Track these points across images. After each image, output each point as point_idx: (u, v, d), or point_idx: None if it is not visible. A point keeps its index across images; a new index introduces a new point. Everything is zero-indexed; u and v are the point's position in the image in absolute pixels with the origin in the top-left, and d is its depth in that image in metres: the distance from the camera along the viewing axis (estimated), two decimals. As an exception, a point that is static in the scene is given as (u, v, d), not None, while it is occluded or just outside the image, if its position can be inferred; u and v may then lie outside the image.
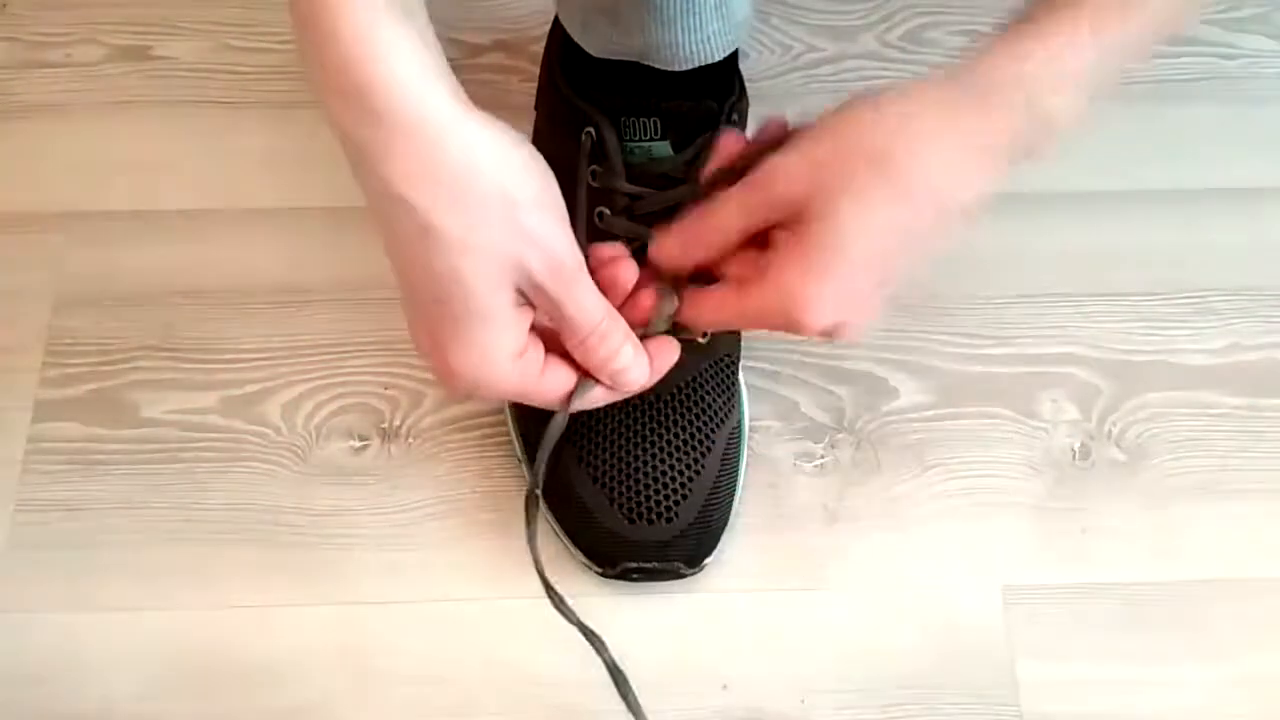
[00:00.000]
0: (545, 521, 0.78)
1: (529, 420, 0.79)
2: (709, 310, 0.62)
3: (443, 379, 0.59)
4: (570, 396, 0.62)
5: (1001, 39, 0.57)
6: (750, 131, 0.74)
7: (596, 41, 0.73)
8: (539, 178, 0.56)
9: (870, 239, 0.57)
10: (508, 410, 0.82)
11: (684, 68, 0.72)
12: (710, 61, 0.72)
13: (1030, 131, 0.57)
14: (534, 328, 0.60)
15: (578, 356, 0.61)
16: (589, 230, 0.78)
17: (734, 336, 0.81)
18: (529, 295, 0.57)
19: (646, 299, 0.63)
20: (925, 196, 0.57)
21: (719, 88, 0.77)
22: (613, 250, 0.62)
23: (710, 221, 0.61)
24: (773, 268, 0.58)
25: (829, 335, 0.60)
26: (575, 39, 0.75)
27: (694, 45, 0.70)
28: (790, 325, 0.59)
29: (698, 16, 0.69)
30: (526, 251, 0.55)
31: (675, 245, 0.62)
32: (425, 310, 0.57)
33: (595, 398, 0.63)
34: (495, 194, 0.54)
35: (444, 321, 0.57)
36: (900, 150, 0.56)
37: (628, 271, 0.62)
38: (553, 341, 0.61)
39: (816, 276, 0.57)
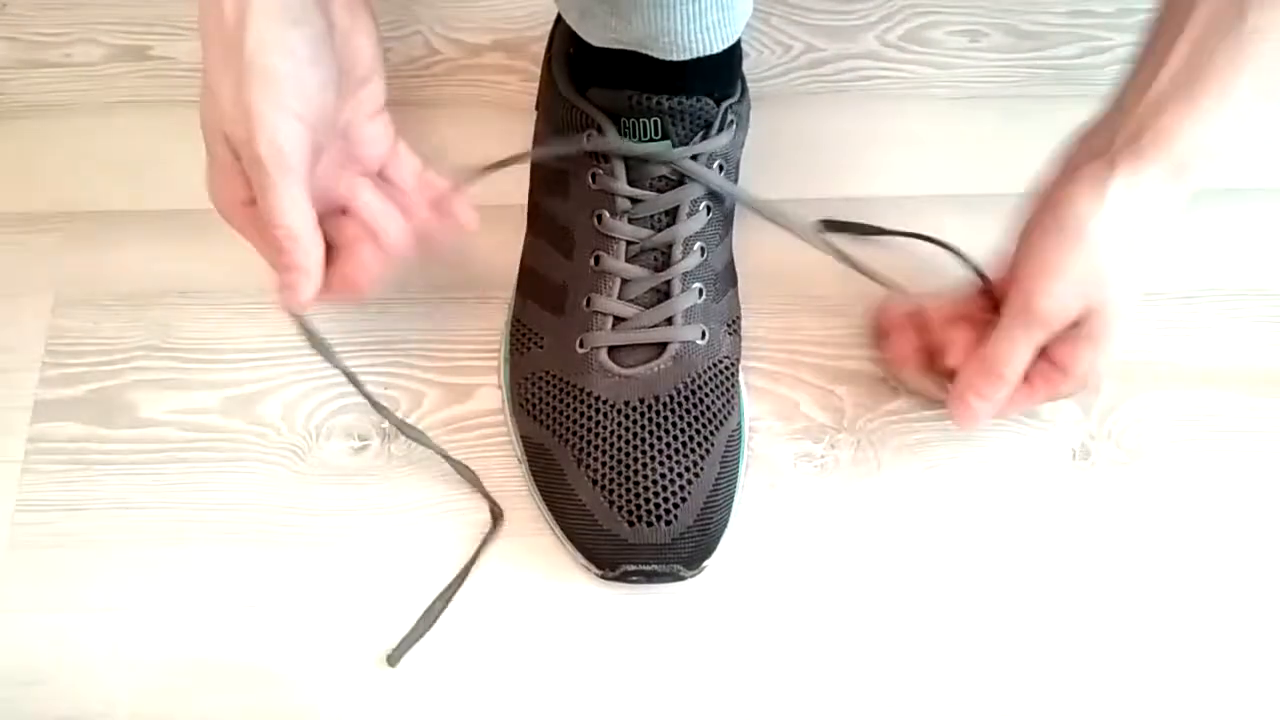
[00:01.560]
0: (545, 522, 0.79)
1: (528, 423, 0.79)
2: (1023, 401, 0.75)
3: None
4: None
5: (1175, 98, 0.65)
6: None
7: (595, 30, 0.73)
8: (295, 74, 0.65)
9: (1131, 306, 0.70)
10: (507, 412, 0.82)
11: (684, 57, 0.72)
12: (710, 52, 0.72)
13: (1191, 178, 0.67)
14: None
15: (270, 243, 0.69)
16: (590, 232, 0.78)
17: (735, 338, 0.82)
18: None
19: None
20: (1153, 255, 0.69)
21: (720, 87, 0.77)
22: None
23: (1009, 369, 0.72)
24: (1072, 363, 0.72)
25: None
26: (574, 28, 0.75)
27: (694, 34, 0.71)
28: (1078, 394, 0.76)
29: (697, 4, 0.70)
30: (237, 132, 0.65)
31: (978, 406, 0.73)
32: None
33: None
34: (247, 65, 0.63)
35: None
36: (1137, 234, 0.67)
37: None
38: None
39: (1109, 353, 0.72)
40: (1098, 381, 0.69)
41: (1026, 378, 0.73)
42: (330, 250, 0.70)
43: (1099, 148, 0.67)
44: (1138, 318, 0.69)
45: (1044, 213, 0.69)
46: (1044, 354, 0.72)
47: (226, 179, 0.68)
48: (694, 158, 0.77)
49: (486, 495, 0.79)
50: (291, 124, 0.65)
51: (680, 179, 0.77)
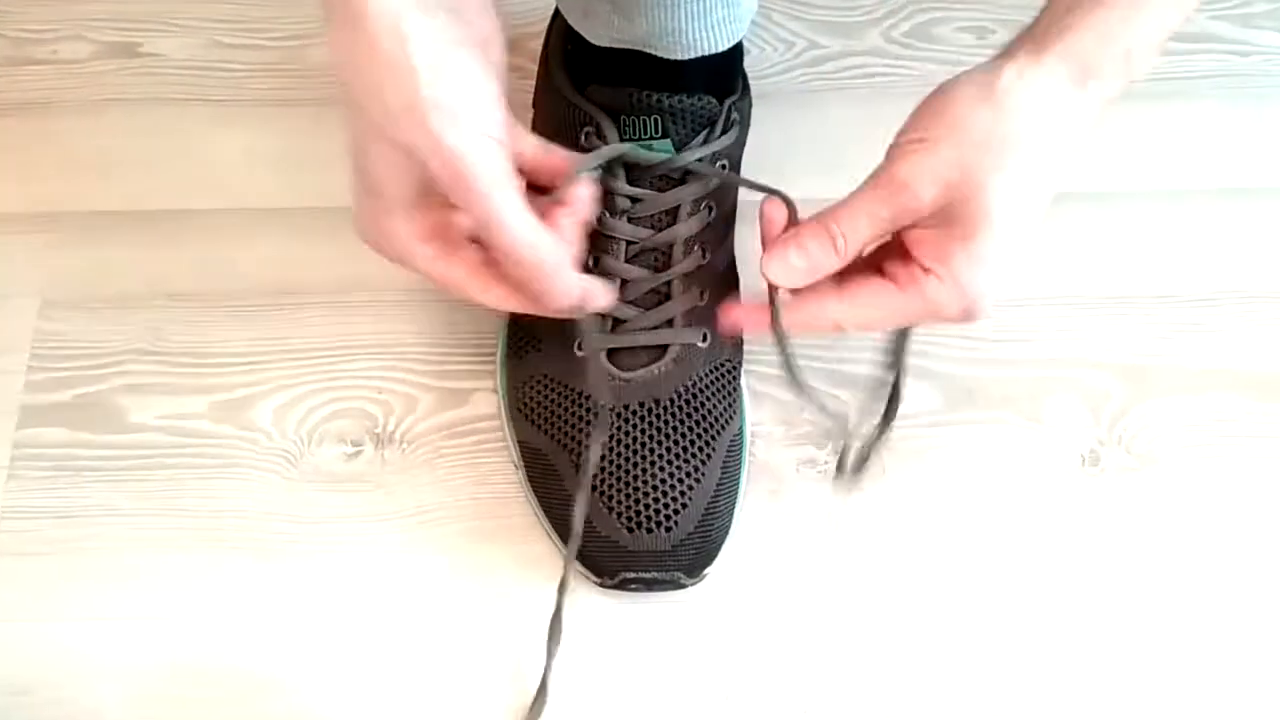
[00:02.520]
0: (543, 529, 0.79)
1: (526, 428, 0.79)
2: (868, 311, 0.66)
3: (358, 233, 0.67)
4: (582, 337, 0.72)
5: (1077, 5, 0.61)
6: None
7: (598, 29, 0.73)
8: (474, 90, 0.60)
9: (1017, 216, 0.63)
10: (504, 417, 0.82)
11: (687, 56, 0.72)
12: (715, 50, 0.72)
13: (1112, 75, 0.62)
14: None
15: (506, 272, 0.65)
16: (588, 234, 0.78)
17: (737, 341, 0.82)
18: (442, 198, 0.62)
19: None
20: (1050, 166, 0.62)
21: (721, 84, 0.77)
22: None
23: (850, 239, 0.65)
24: (943, 262, 0.63)
25: (965, 320, 0.66)
26: (576, 27, 0.75)
27: (698, 32, 0.71)
28: (962, 316, 0.65)
29: (702, 2, 0.70)
30: (428, 156, 0.60)
31: (798, 262, 0.65)
32: (354, 175, 0.64)
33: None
34: (412, 92, 0.58)
35: (361, 190, 0.64)
36: (1025, 131, 0.61)
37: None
38: None
39: (987, 263, 0.63)
40: (978, 306, 0.64)
41: (894, 278, 0.66)
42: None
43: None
44: (1031, 243, 0.64)
45: (933, 96, 0.65)
46: (913, 256, 0.66)
47: (394, 218, 0.64)
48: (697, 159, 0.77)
49: None
50: (494, 148, 0.61)
51: (682, 178, 0.77)
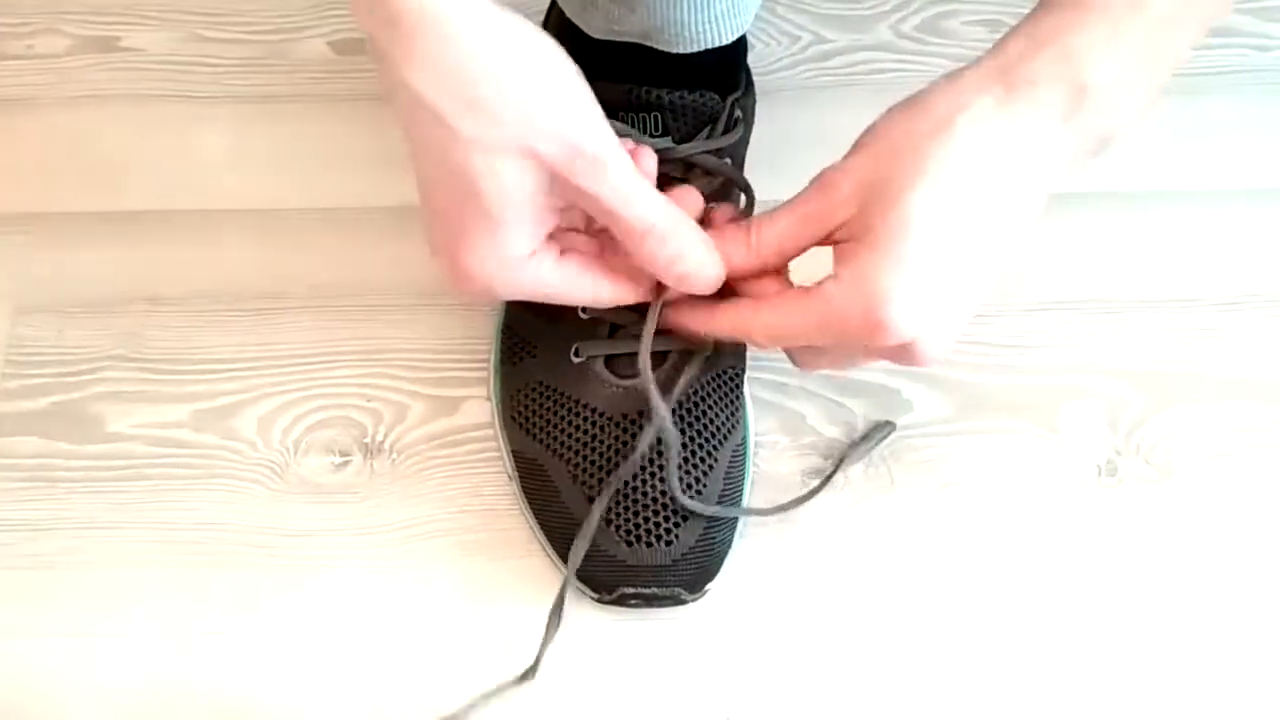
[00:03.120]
0: (538, 543, 0.79)
1: (520, 437, 0.80)
2: (771, 316, 0.66)
3: (455, 280, 0.64)
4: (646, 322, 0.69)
5: (1030, 20, 0.60)
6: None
7: (598, 22, 0.73)
8: (556, 70, 0.60)
9: (942, 227, 0.61)
10: (497, 425, 0.82)
11: (689, 49, 0.72)
12: (718, 44, 0.72)
13: (1081, 111, 0.60)
14: (585, 230, 0.68)
15: (641, 262, 0.65)
16: None
17: (739, 347, 0.82)
18: (564, 195, 0.61)
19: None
20: (987, 180, 0.61)
21: (724, 80, 0.77)
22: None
23: (764, 234, 0.66)
24: (848, 266, 0.62)
25: (906, 354, 0.63)
26: (573, 19, 0.75)
27: (700, 25, 0.71)
28: (868, 328, 0.62)
29: None
30: (540, 143, 0.58)
31: (715, 257, 0.66)
32: (440, 209, 0.62)
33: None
34: (507, 90, 0.57)
35: (459, 222, 0.61)
36: (956, 134, 0.60)
37: (690, 197, 0.70)
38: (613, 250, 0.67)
39: (895, 268, 0.61)
40: (881, 317, 0.61)
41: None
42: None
43: None
44: (979, 269, 0.62)
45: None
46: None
47: (510, 233, 0.62)
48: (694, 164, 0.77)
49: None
50: (600, 124, 0.61)
51: (683, 175, 0.77)
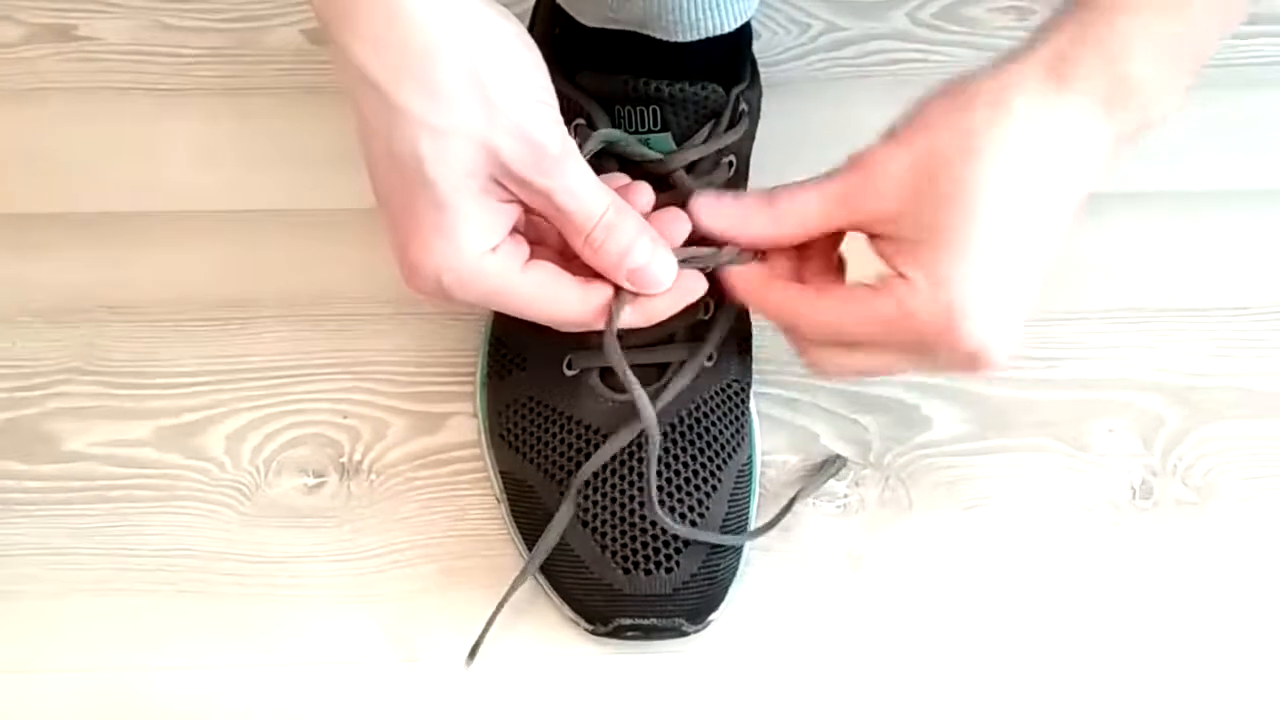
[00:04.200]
0: (528, 570, 0.78)
1: (509, 457, 0.80)
2: (831, 311, 0.68)
3: (406, 276, 0.64)
4: (609, 317, 0.67)
5: (1076, 11, 0.62)
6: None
7: (590, 7, 0.73)
8: (517, 56, 0.61)
9: (1009, 227, 0.63)
10: (484, 444, 0.82)
11: (689, 37, 0.72)
12: (720, 32, 0.72)
13: (1125, 104, 0.62)
14: (534, 237, 0.67)
15: (588, 259, 0.65)
16: None
17: (745, 359, 0.83)
18: (512, 189, 0.61)
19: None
20: (1044, 176, 0.63)
21: (727, 71, 0.78)
22: (621, 179, 0.69)
23: (786, 204, 0.68)
24: (920, 269, 0.64)
25: (973, 362, 0.66)
26: (565, 6, 0.74)
27: (701, 10, 0.70)
28: (946, 335, 0.65)
29: None
30: (497, 137, 0.59)
31: (730, 203, 0.69)
32: (390, 197, 0.62)
33: (626, 319, 0.68)
34: (463, 73, 0.58)
35: (407, 210, 0.62)
36: (1013, 130, 0.62)
37: (642, 196, 0.69)
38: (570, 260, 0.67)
39: (973, 273, 0.63)
40: (960, 327, 0.64)
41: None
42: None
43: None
44: (1038, 271, 0.65)
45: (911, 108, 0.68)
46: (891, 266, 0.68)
47: (464, 225, 0.62)
48: (699, 160, 0.77)
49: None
50: (552, 114, 0.62)
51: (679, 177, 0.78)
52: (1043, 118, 0.63)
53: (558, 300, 0.66)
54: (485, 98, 0.58)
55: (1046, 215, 0.64)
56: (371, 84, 0.58)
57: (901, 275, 0.65)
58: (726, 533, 0.77)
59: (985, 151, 0.63)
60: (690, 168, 0.76)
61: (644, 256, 0.66)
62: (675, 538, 0.75)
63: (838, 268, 0.72)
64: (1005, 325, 0.65)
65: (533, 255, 0.66)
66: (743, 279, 0.71)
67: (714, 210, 0.70)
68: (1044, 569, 0.81)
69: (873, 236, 0.67)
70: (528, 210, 0.64)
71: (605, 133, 0.74)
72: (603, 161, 0.75)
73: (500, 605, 0.76)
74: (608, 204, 0.64)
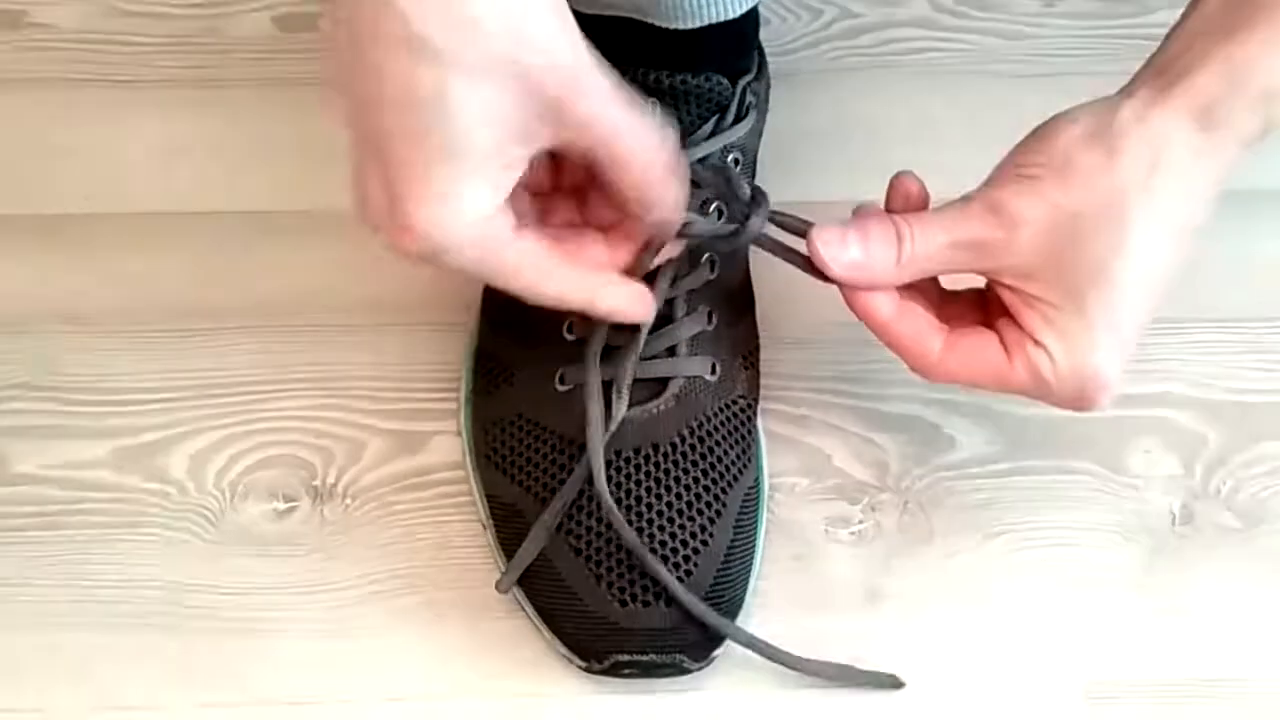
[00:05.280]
0: (517, 602, 0.79)
1: (496, 479, 0.80)
2: (962, 366, 0.72)
3: (391, 233, 0.61)
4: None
5: (1218, 49, 0.65)
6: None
7: (585, -8, 0.73)
8: None
9: (1150, 293, 0.68)
10: (469, 465, 0.83)
11: (691, 24, 0.72)
12: (723, 18, 0.72)
13: (1264, 135, 0.67)
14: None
15: (636, 195, 0.65)
16: None
17: (752, 372, 0.83)
18: (549, 126, 0.60)
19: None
20: (1185, 228, 0.68)
21: (733, 61, 0.78)
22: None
23: (916, 249, 0.70)
24: (1059, 340, 0.69)
25: (1080, 405, 0.71)
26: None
27: (703, -5, 0.72)
28: (1078, 405, 0.71)
29: None
30: (534, 62, 0.57)
31: (854, 246, 0.70)
32: (389, 146, 0.59)
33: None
34: (496, 5, 0.56)
35: (411, 161, 0.59)
36: (1160, 190, 0.66)
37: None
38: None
39: (1113, 349, 0.69)
40: (1094, 396, 0.69)
41: (1003, 339, 0.71)
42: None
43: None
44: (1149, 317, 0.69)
45: (1042, 126, 0.70)
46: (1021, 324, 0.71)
47: (475, 179, 0.61)
48: (703, 158, 0.77)
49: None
50: (588, 52, 0.61)
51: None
52: (1192, 173, 0.66)
53: (552, 274, 0.66)
54: (513, 23, 0.57)
55: (1167, 264, 0.68)
56: (392, 12, 0.55)
57: (1037, 342, 0.69)
58: (731, 562, 0.77)
59: (1137, 221, 0.66)
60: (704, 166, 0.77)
61: (672, 202, 0.67)
62: (676, 566, 0.75)
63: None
64: (1118, 375, 0.69)
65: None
66: (872, 306, 0.72)
67: (838, 249, 0.71)
68: (1076, 601, 0.81)
69: (998, 282, 0.71)
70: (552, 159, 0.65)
71: None
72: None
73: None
74: (657, 138, 0.64)
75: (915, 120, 0.94)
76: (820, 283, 0.71)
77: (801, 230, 0.72)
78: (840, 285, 0.72)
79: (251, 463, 0.84)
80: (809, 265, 0.71)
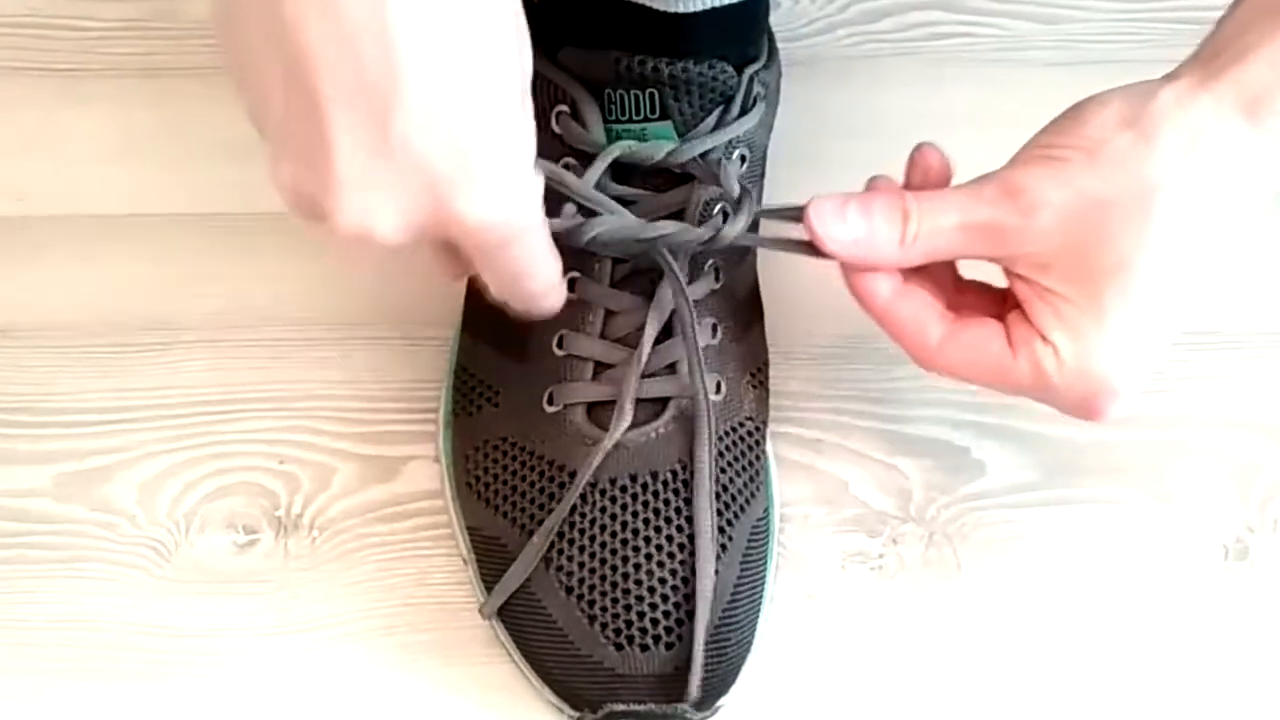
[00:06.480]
0: (502, 645, 0.79)
1: (478, 510, 0.80)
2: (962, 360, 0.72)
3: (324, 207, 0.59)
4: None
5: (1267, 41, 0.65)
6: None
7: (578, -31, 0.73)
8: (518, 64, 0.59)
9: (1176, 296, 0.68)
10: (449, 494, 0.83)
11: (695, 7, 0.73)
12: (728, 0, 0.73)
13: None
14: None
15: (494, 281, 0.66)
16: (561, 247, 0.78)
17: (760, 392, 0.83)
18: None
19: None
20: (1219, 234, 0.67)
21: (740, 48, 0.78)
22: None
23: (923, 229, 0.70)
24: (1070, 340, 0.68)
25: (1086, 412, 0.71)
26: (547, -32, 0.75)
27: (707, -26, 0.71)
28: (1082, 411, 0.71)
29: None
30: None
31: (855, 220, 0.70)
32: (328, 97, 0.56)
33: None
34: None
35: (363, 108, 0.56)
36: (1197, 186, 0.66)
37: None
38: None
39: (1127, 356, 0.68)
40: (1101, 403, 0.69)
41: (1010, 333, 0.71)
42: None
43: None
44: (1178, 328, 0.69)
45: (1073, 107, 0.70)
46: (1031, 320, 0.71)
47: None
48: (704, 154, 0.78)
49: None
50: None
51: (687, 174, 0.78)
52: (1236, 168, 0.66)
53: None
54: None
55: (1200, 266, 0.68)
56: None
57: (1044, 338, 0.69)
58: (738, 601, 0.77)
59: (1167, 214, 0.66)
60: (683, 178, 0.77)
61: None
62: (678, 605, 0.75)
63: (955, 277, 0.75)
64: (1138, 386, 0.69)
65: None
66: (870, 287, 0.72)
67: (836, 223, 0.71)
68: (1120, 643, 0.81)
69: (1011, 271, 0.71)
70: None
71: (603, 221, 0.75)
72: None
73: None
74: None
75: (940, 113, 0.94)
76: (837, 290, 0.71)
77: (798, 217, 0.71)
78: (840, 264, 0.72)
79: (208, 491, 0.84)
80: (812, 249, 0.71)
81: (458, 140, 0.57)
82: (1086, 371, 0.68)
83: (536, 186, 0.61)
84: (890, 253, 0.70)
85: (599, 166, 0.76)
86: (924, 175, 0.73)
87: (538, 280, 0.66)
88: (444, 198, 0.58)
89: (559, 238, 0.69)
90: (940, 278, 0.74)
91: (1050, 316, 0.68)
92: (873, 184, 0.73)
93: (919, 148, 0.74)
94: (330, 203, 0.58)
